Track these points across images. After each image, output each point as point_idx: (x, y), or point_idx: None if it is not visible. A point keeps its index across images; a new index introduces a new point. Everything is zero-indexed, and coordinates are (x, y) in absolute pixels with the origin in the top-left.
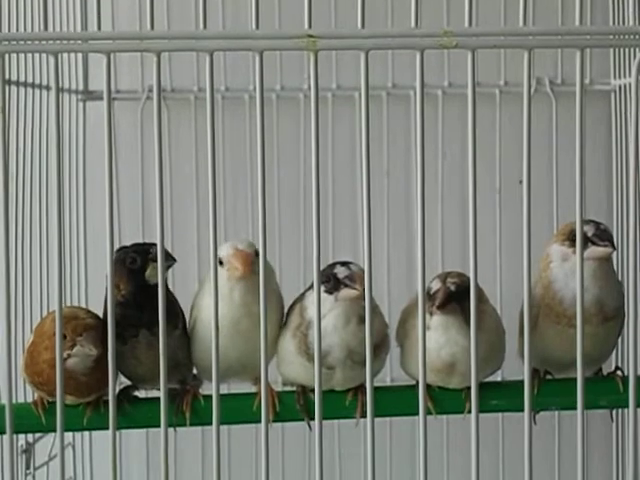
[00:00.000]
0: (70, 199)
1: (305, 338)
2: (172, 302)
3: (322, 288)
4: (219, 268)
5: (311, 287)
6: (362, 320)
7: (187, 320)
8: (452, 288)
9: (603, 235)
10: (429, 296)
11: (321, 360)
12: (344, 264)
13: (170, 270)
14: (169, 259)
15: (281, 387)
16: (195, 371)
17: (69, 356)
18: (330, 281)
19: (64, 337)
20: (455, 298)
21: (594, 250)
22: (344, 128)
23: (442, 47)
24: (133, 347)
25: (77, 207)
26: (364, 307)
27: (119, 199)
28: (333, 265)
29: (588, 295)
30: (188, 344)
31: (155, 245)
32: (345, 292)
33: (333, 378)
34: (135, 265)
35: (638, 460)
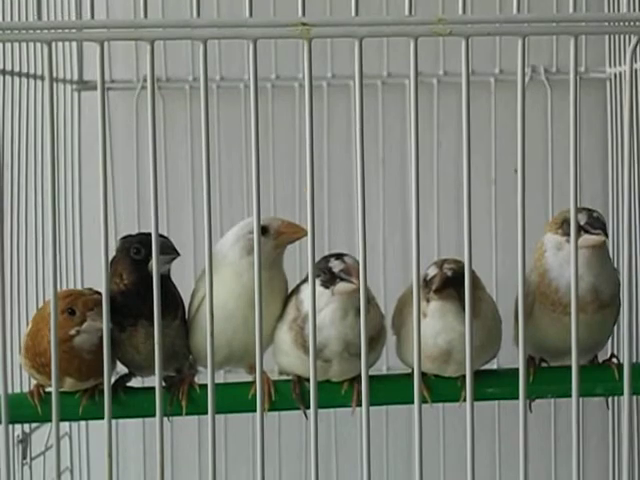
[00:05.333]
0: (65, 189)
1: (301, 331)
2: (173, 293)
3: (317, 282)
4: (262, 237)
5: (306, 280)
6: (359, 312)
7: (188, 307)
8: (449, 274)
9: (596, 223)
10: (425, 282)
11: (317, 353)
12: (338, 257)
13: None
14: (172, 252)
15: (277, 376)
16: (192, 359)
17: (78, 332)
18: (325, 275)
19: (74, 313)
20: (452, 284)
21: (587, 238)
22: (339, 117)
23: (436, 35)
24: (131, 335)
25: (72, 197)
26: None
27: (115, 189)
28: (327, 258)
29: (583, 283)
30: (186, 333)
31: (161, 236)
32: (341, 286)
33: (330, 370)
34: (139, 255)
35: (633, 447)
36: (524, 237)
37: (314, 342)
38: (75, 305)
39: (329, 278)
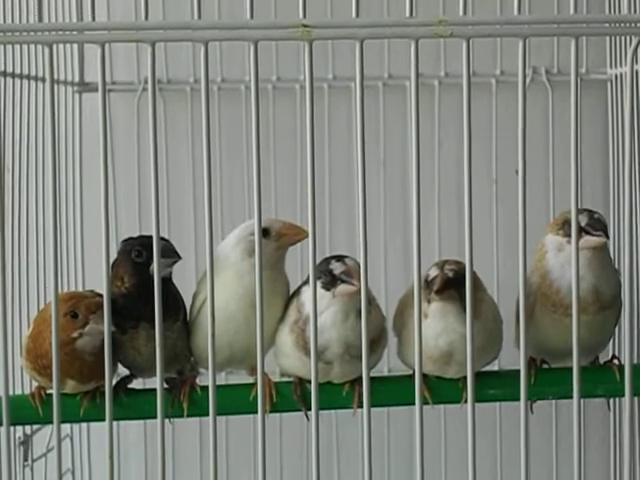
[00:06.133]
0: (67, 191)
1: (303, 333)
2: (174, 295)
3: (318, 284)
4: (264, 239)
5: (307, 281)
6: (360, 314)
7: (189, 308)
8: (450, 274)
9: (597, 225)
10: (427, 283)
11: (318, 355)
12: (339, 259)
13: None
14: (173, 255)
15: (279, 377)
16: (193, 361)
17: (80, 335)
18: (326, 277)
19: (76, 316)
20: (453, 284)
21: (588, 240)
22: (340, 118)
23: (437, 36)
24: (132, 338)
25: (73, 199)
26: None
27: (116, 191)
28: (328, 260)
29: (584, 284)
30: (188, 335)
31: (162, 239)
32: (342, 288)
33: (331, 372)
34: (140, 258)
35: (634, 448)
36: (525, 238)
37: (315, 344)
38: (77, 308)
39: (330, 280)
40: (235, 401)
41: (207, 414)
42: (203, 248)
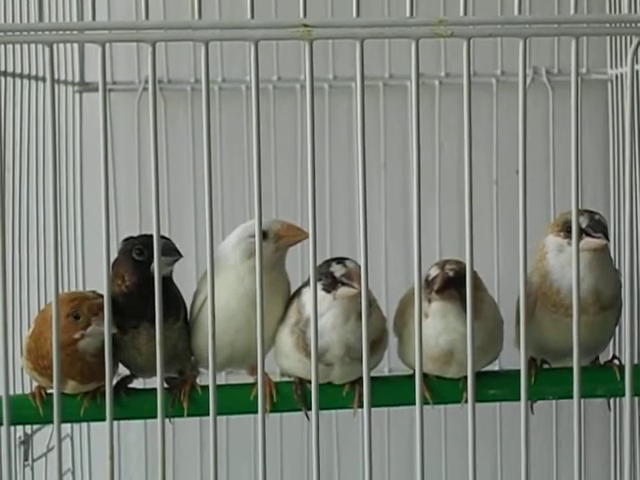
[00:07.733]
0: (67, 191)
1: (303, 335)
2: (175, 295)
3: (319, 286)
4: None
5: (308, 283)
6: (361, 317)
7: (190, 308)
8: (450, 274)
9: (597, 226)
10: (427, 283)
11: (319, 357)
12: (340, 261)
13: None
14: (174, 254)
15: (279, 377)
16: (193, 361)
17: (82, 336)
18: (327, 279)
19: (78, 317)
20: (454, 284)
21: (588, 241)
22: (341, 118)
23: (437, 36)
24: (133, 337)
25: (74, 198)
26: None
27: (116, 191)
28: (329, 262)
29: (584, 285)
30: (188, 335)
31: (164, 238)
32: (343, 291)
33: (331, 374)
34: (141, 257)
35: (635, 448)
36: (525, 238)
37: (316, 347)
38: (80, 309)
39: (330, 282)
40: (235, 401)
41: (207, 414)
42: (203, 247)
